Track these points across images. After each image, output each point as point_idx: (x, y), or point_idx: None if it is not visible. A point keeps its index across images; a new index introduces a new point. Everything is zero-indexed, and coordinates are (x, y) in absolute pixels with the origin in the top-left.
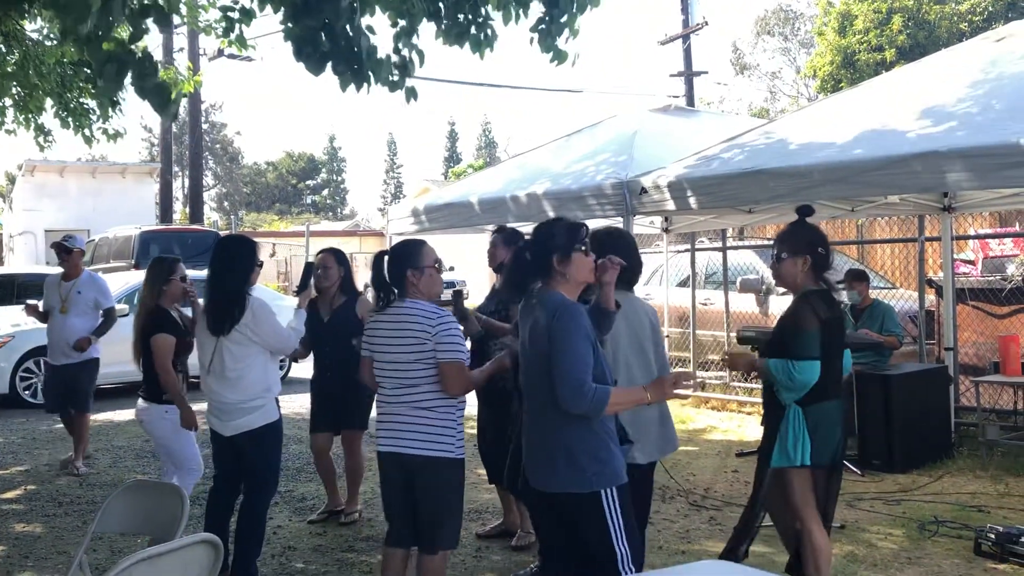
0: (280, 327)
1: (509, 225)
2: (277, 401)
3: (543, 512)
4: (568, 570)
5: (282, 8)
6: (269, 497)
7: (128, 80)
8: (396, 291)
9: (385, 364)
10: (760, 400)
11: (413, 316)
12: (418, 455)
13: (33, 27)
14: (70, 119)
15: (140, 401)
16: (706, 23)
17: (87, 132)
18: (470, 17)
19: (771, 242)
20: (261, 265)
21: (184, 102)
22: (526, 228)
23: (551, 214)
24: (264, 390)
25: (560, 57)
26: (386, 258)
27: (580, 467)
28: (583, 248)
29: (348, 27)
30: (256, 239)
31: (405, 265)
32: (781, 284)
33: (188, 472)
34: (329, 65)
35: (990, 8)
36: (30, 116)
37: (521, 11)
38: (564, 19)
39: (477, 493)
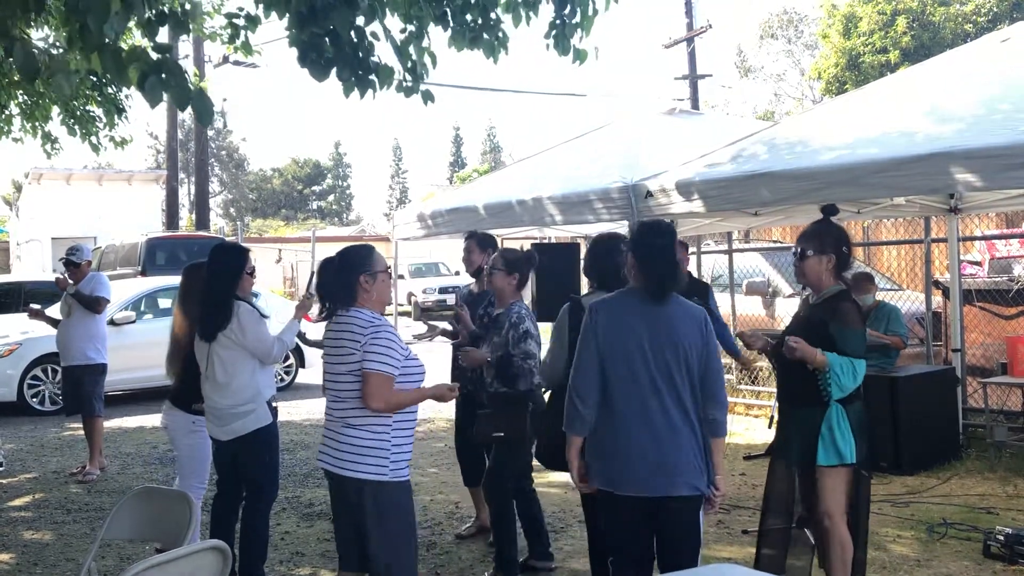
0: (265, 336)
1: (501, 231)
2: (271, 406)
3: (632, 517)
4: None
5: (287, 14)
6: (270, 501)
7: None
8: (341, 299)
9: (325, 376)
10: (767, 403)
11: (349, 325)
12: (343, 475)
13: (39, 35)
14: (77, 127)
15: (167, 405)
16: (710, 26)
17: (94, 140)
18: (479, 21)
19: (777, 244)
20: (253, 272)
21: (188, 110)
22: (530, 233)
23: (557, 218)
24: (254, 395)
25: (580, 56)
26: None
27: (704, 465)
28: None
29: (353, 33)
30: (261, 245)
31: (359, 270)
32: (804, 281)
33: (191, 489)
34: (334, 71)
35: (995, 9)
36: (37, 124)
37: (531, 12)
38: (577, 20)
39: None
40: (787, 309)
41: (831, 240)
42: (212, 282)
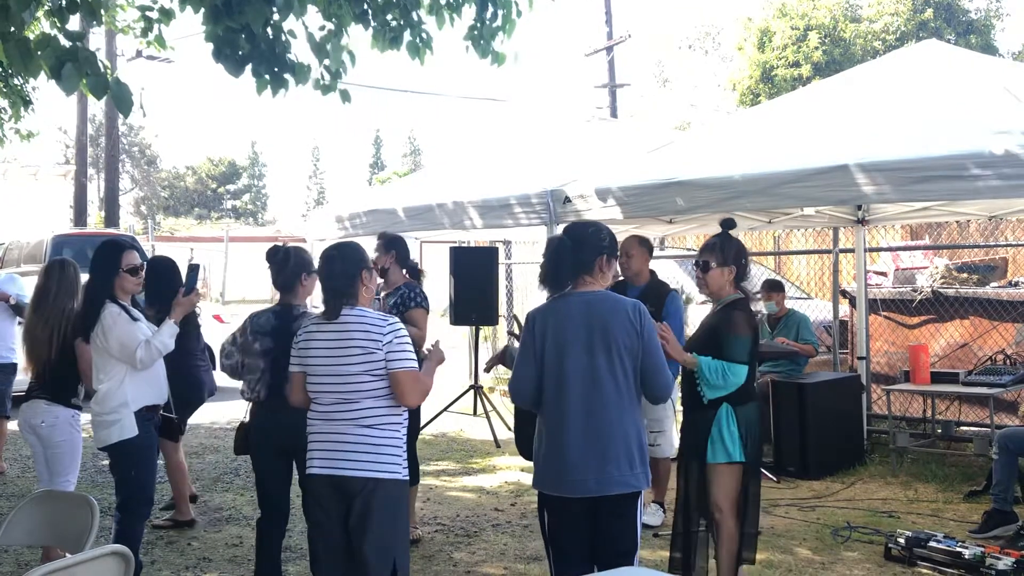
0: (129, 340)
1: (421, 233)
2: (146, 418)
3: (570, 517)
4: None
5: (202, 8)
6: (137, 519)
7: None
8: (349, 297)
9: (323, 378)
10: None
11: (360, 324)
12: (360, 476)
13: None
14: None
15: (41, 404)
16: (629, 36)
17: None
18: (401, 22)
19: (692, 252)
20: (133, 271)
21: (101, 104)
22: (445, 236)
23: (477, 222)
24: (119, 405)
25: (499, 59)
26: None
27: (638, 463)
28: (617, 255)
29: (269, 29)
30: (173, 244)
31: (361, 266)
32: (706, 292)
33: (68, 485)
34: (249, 68)
35: (903, 28)
36: None
37: (455, 15)
38: (498, 23)
39: None
40: (700, 316)
41: (732, 252)
42: (88, 280)
